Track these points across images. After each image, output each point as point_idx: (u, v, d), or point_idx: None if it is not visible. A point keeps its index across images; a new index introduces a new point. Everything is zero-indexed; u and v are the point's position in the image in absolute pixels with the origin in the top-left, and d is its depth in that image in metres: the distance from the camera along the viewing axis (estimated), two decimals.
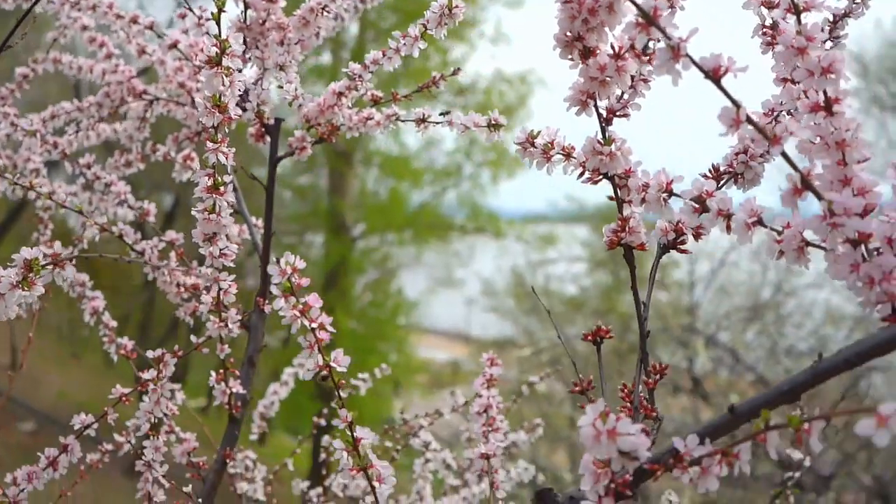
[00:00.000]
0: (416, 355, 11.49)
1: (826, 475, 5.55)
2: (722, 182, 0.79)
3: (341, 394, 0.73)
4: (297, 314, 0.70)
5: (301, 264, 0.70)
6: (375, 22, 9.44)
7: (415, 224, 11.53)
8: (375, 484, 0.73)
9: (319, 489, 1.54)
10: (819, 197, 0.58)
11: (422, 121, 1.04)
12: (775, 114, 0.80)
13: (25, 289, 0.74)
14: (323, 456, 1.60)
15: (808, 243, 0.62)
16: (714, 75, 0.57)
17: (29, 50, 1.51)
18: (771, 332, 6.87)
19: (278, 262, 0.69)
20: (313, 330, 0.70)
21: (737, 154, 0.78)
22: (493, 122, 0.96)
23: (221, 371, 1.06)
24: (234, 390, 1.07)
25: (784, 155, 0.58)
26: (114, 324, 1.18)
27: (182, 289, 1.12)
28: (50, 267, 0.74)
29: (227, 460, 1.10)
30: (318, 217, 11.46)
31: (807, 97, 0.62)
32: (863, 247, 0.60)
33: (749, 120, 0.57)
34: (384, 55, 1.00)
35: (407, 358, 11.15)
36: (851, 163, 0.61)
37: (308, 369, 0.71)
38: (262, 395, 1.71)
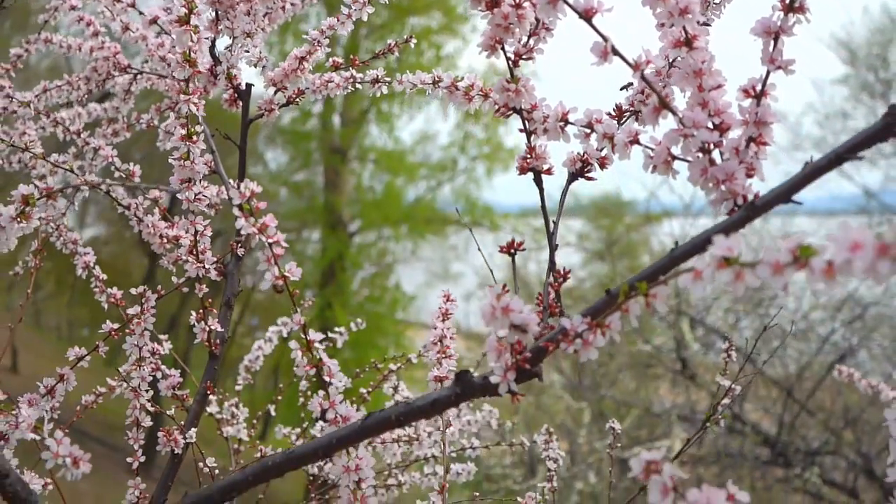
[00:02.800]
0: (414, 350, 11.54)
1: (811, 450, 5.67)
2: (624, 118, 0.91)
3: (296, 301, 0.85)
4: (256, 231, 0.82)
5: (258, 189, 0.82)
6: (369, 19, 9.57)
7: (411, 219, 11.64)
8: (326, 378, 0.85)
9: (298, 430, 1.67)
10: (674, 113, 0.70)
11: (376, 81, 1.17)
12: (670, 59, 0.92)
13: (23, 220, 0.86)
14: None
15: (674, 157, 0.74)
16: (586, 15, 0.70)
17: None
18: (760, 314, 7.00)
19: (238, 186, 0.81)
20: (270, 245, 0.82)
21: (636, 94, 0.91)
22: (436, 79, 1.08)
23: (201, 310, 1.18)
24: (212, 328, 1.19)
25: (644, 79, 0.70)
26: (104, 276, 1.30)
27: (164, 240, 1.24)
28: (43, 200, 0.87)
29: (209, 392, 1.22)
30: (315, 213, 11.57)
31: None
32: (717, 156, 0.72)
33: (614, 51, 0.69)
34: (338, 20, 1.13)
35: (405, 352, 11.24)
36: (708, 88, 0.73)
37: (266, 280, 0.83)
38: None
